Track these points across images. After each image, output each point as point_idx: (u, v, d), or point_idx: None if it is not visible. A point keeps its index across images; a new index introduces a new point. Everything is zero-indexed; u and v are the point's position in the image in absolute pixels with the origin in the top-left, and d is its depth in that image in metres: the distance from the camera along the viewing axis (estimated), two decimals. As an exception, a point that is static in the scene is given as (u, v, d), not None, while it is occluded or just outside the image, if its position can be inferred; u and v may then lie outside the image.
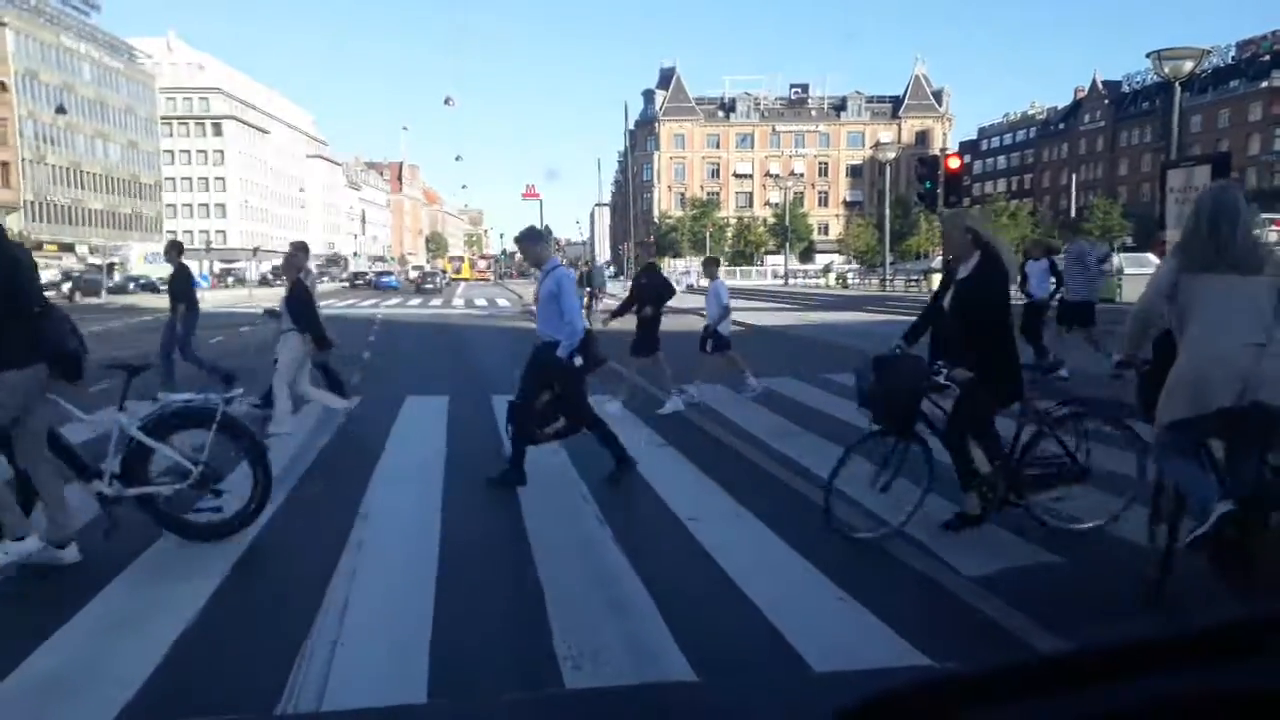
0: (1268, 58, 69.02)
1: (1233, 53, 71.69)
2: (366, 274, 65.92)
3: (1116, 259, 20.24)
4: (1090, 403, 4.59)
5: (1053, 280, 9.77)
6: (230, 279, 64.89)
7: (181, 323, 9.61)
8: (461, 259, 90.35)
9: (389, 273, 62.52)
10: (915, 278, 37.70)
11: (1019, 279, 10.74)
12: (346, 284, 62.06)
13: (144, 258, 60.03)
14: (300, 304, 7.58)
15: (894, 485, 4.35)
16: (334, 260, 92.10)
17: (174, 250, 10.21)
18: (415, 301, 37.86)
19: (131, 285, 49.75)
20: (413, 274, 60.90)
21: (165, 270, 9.44)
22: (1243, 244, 3.24)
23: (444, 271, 69.53)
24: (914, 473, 4.39)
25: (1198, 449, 3.41)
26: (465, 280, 71.76)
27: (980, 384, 4.08)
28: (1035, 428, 4.34)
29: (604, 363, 6.03)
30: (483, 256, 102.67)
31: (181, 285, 9.80)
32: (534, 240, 6.00)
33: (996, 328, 4.22)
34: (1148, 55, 13.97)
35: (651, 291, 9.04)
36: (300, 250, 8.65)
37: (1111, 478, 4.53)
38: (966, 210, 5.35)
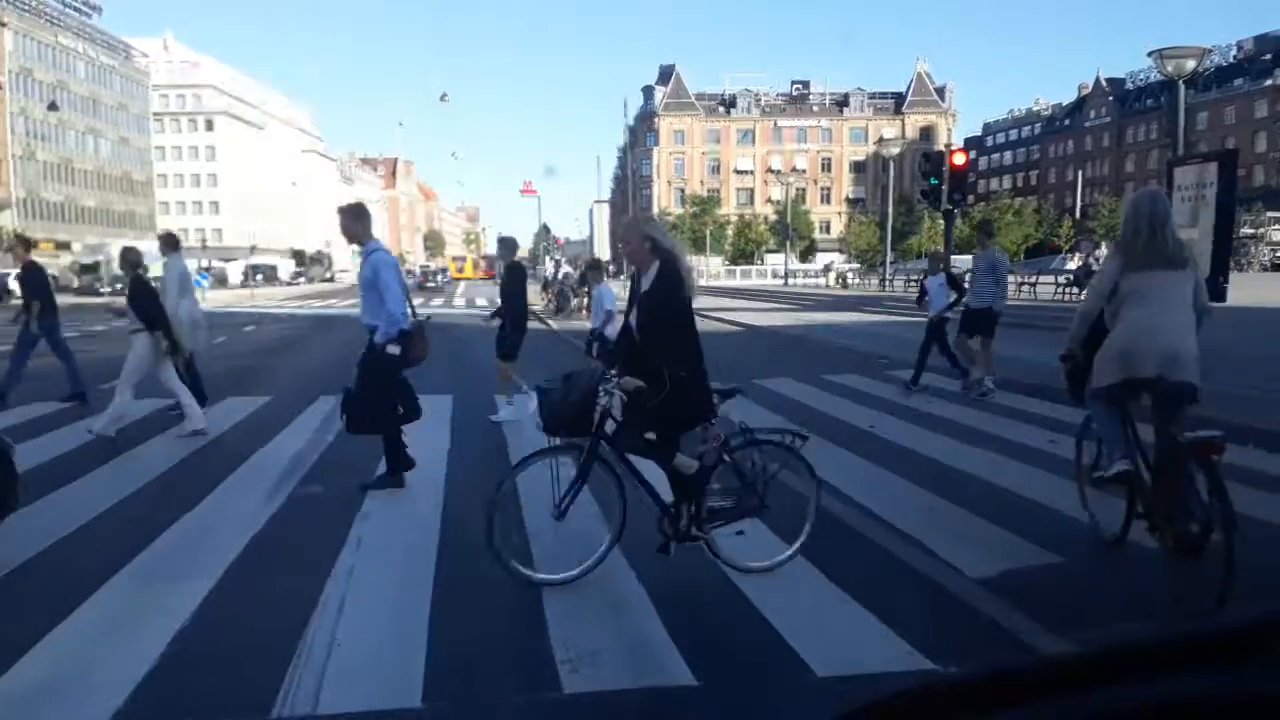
0: (1269, 56, 68.80)
1: (1234, 52, 71.48)
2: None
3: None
4: (769, 432, 4.26)
5: (952, 293, 9.34)
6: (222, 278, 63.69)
7: (36, 323, 9.07)
8: (465, 258, 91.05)
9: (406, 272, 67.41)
10: (916, 278, 37.44)
11: (917, 295, 10.19)
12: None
13: None
14: (142, 302, 7.36)
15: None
16: (316, 259, 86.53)
17: (21, 246, 9.43)
18: (416, 301, 37.65)
19: (107, 288, 44.01)
20: (418, 272, 63.17)
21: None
22: (1173, 243, 3.89)
23: (446, 270, 72.55)
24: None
25: (1124, 414, 4.02)
26: (469, 279, 74.18)
27: (652, 397, 3.71)
28: (716, 456, 3.99)
29: (422, 360, 5.82)
30: (484, 256, 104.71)
31: (33, 284, 9.19)
32: (353, 217, 5.64)
33: (679, 341, 3.90)
34: (1149, 54, 13.91)
35: (512, 295, 8.42)
36: (167, 242, 8.55)
37: (788, 509, 4.19)
38: (646, 217, 5.09)
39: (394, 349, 5.46)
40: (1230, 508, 3.33)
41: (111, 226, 70.64)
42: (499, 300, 8.68)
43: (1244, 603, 3.22)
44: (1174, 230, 3.92)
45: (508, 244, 9.86)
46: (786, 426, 4.60)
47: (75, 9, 70.19)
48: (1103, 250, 26.90)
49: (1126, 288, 3.87)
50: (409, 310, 5.75)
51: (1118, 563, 4.12)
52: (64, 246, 61.58)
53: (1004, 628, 3.31)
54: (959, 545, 4.29)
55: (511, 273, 8.88)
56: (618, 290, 11.05)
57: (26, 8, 63.04)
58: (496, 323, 8.45)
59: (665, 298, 3.90)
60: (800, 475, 4.18)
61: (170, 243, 8.81)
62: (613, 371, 3.88)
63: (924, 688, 0.57)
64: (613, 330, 8.61)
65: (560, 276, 28.63)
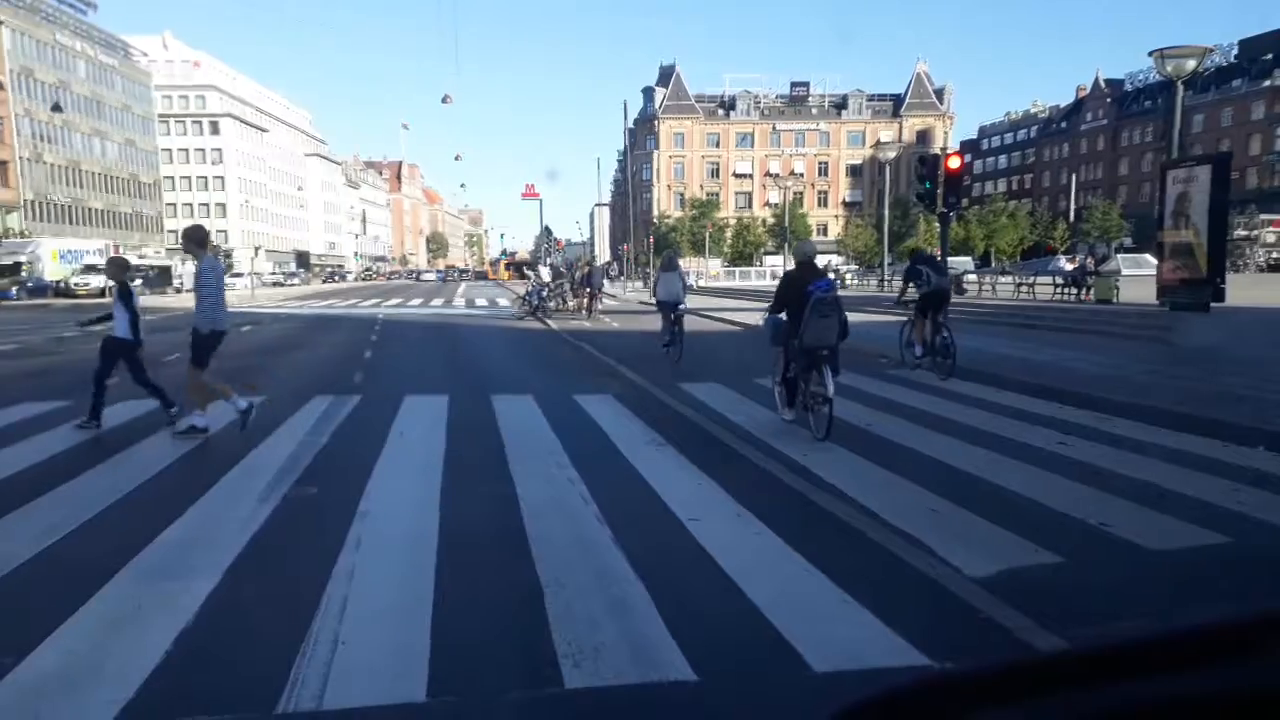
0: (1270, 57, 68.84)
1: (1234, 52, 71.56)
2: (401, 270, 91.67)
3: (1115, 260, 20.24)
4: None
5: (119, 321, 7.46)
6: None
7: None
8: (499, 260, 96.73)
9: (435, 270, 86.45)
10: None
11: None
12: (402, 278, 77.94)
13: (58, 255, 44.90)
14: None
15: None
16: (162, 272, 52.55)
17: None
18: (416, 301, 37.95)
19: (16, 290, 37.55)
20: (460, 271, 79.17)
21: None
22: (673, 264, 14.20)
23: (467, 270, 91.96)
24: None
25: (671, 323, 13.32)
26: (498, 280, 79.69)
27: None
28: None
29: None
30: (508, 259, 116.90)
31: None
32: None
33: None
34: (1150, 54, 13.95)
35: None
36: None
37: None
38: None
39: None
40: (680, 334, 13.06)
41: (120, 229, 70.40)
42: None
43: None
44: (675, 260, 14.38)
45: None
46: None
47: (71, 5, 69.95)
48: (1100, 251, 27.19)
49: (660, 277, 14.34)
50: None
51: (1117, 562, 4.14)
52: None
53: (1003, 626, 3.32)
54: (958, 544, 4.31)
55: None
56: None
57: (21, 4, 62.78)
58: None
59: None
60: None
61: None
62: None
63: (922, 684, 0.57)
64: None
65: (552, 280, 28.75)
